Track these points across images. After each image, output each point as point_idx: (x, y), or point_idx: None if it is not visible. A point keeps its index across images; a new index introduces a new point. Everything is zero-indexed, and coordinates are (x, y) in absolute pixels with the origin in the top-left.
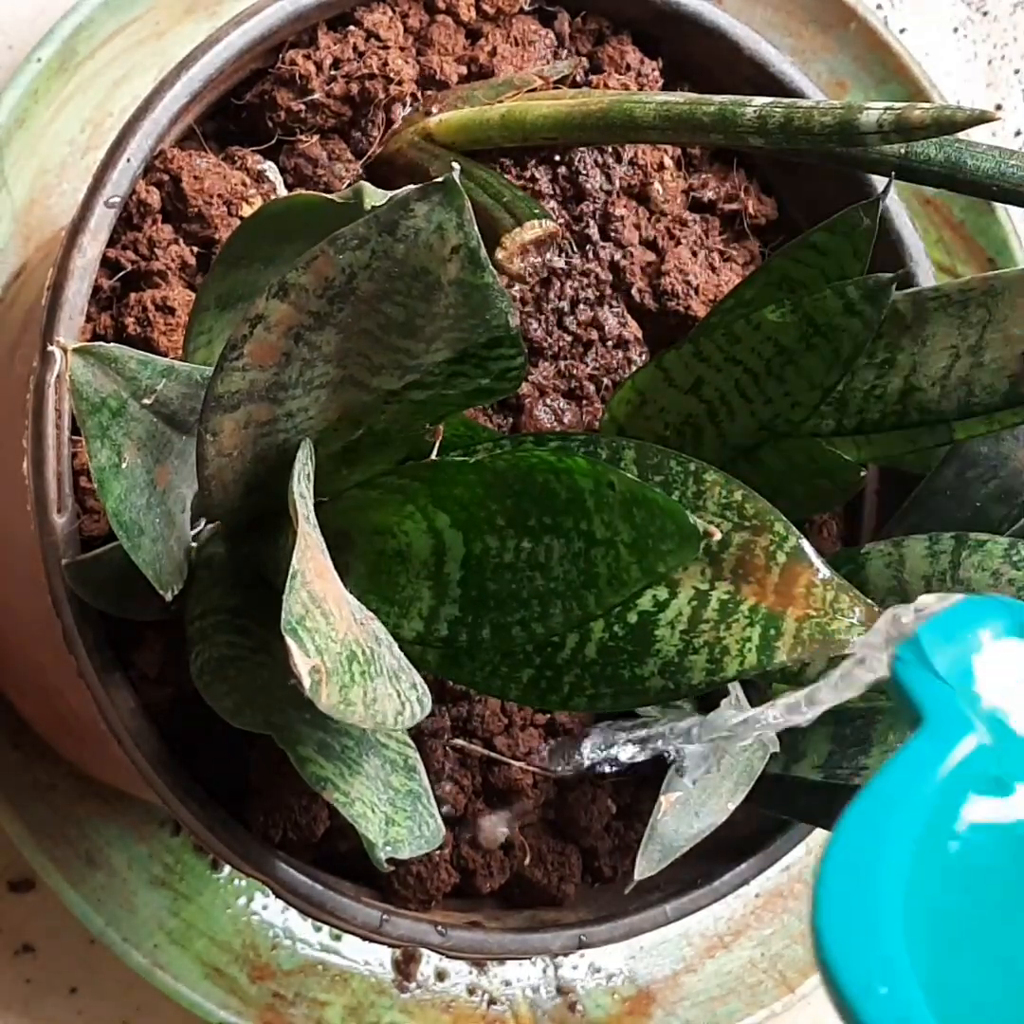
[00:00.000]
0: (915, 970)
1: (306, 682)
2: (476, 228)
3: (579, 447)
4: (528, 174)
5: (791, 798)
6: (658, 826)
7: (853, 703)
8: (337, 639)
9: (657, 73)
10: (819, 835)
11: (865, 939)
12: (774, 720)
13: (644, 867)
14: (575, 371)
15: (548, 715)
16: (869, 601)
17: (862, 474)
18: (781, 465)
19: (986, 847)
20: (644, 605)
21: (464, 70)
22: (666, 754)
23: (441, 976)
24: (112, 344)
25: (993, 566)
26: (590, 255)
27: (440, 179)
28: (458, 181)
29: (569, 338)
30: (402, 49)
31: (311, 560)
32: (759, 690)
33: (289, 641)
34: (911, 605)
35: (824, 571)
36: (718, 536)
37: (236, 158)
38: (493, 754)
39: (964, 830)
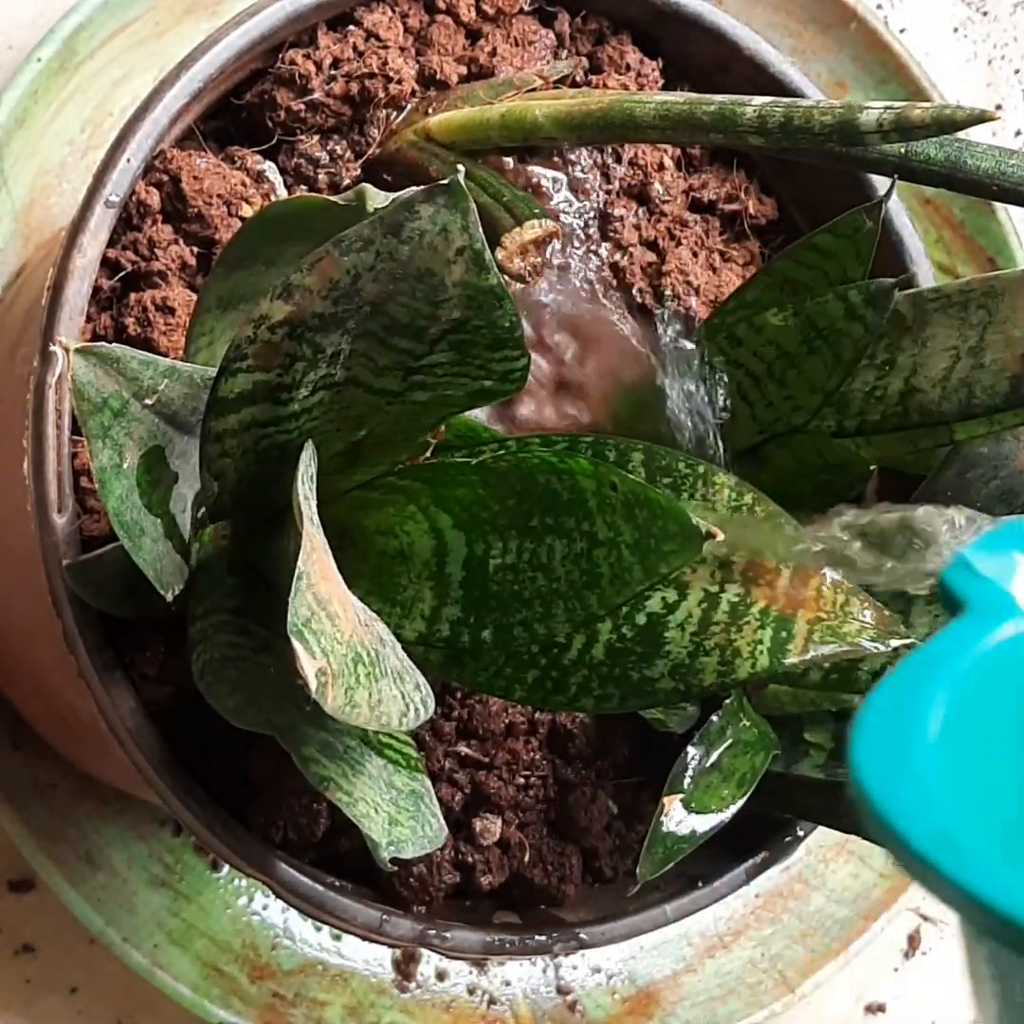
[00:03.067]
0: (948, 792)
1: (312, 684)
2: (481, 230)
3: (586, 448)
4: (528, 174)
5: (792, 796)
6: (661, 827)
7: (855, 704)
8: (343, 641)
9: (657, 73)
10: (819, 836)
11: (899, 767)
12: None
13: (647, 868)
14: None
15: (550, 716)
16: (879, 604)
17: (872, 468)
18: (788, 462)
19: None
20: (653, 607)
21: (464, 70)
22: None
23: (441, 976)
24: (114, 344)
25: None
26: (590, 255)
27: (445, 181)
28: (463, 183)
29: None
30: (402, 49)
31: (316, 562)
32: (757, 691)
33: (296, 643)
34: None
35: (833, 575)
36: (721, 537)
37: (236, 158)
38: (493, 757)
39: (998, 695)
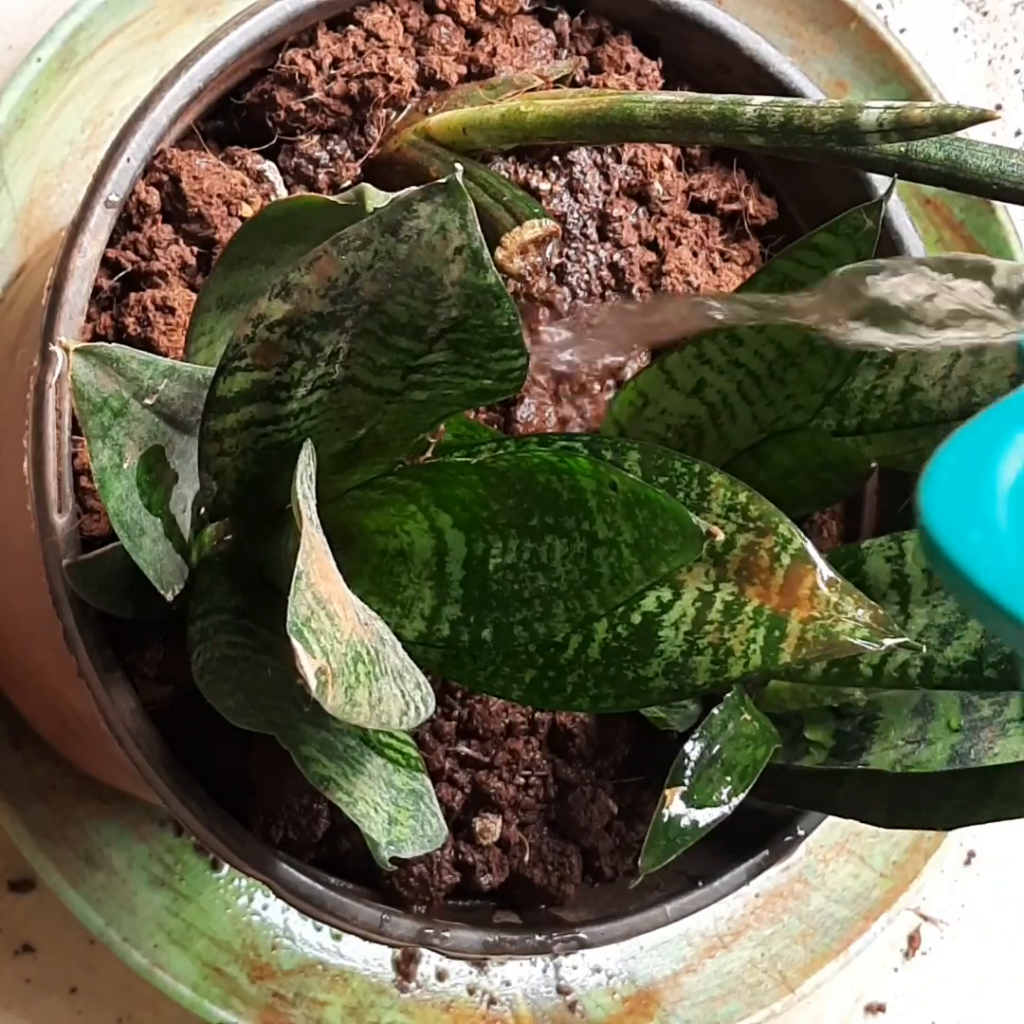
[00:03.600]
0: (1019, 538)
1: (312, 683)
2: (479, 229)
3: (583, 448)
4: (528, 174)
5: (794, 788)
6: (663, 819)
7: (855, 701)
8: (342, 640)
9: (657, 73)
10: (819, 836)
11: (971, 511)
12: None
13: (648, 862)
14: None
15: (550, 715)
16: (873, 603)
17: (872, 465)
18: (787, 460)
19: None
20: (648, 606)
21: (464, 70)
22: None
23: (441, 976)
24: (114, 344)
25: None
26: (589, 255)
27: (443, 180)
28: (461, 182)
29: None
30: (402, 49)
31: (316, 561)
32: (757, 688)
33: (295, 642)
34: None
35: (828, 573)
36: (721, 537)
37: (236, 158)
38: (493, 756)
39: None
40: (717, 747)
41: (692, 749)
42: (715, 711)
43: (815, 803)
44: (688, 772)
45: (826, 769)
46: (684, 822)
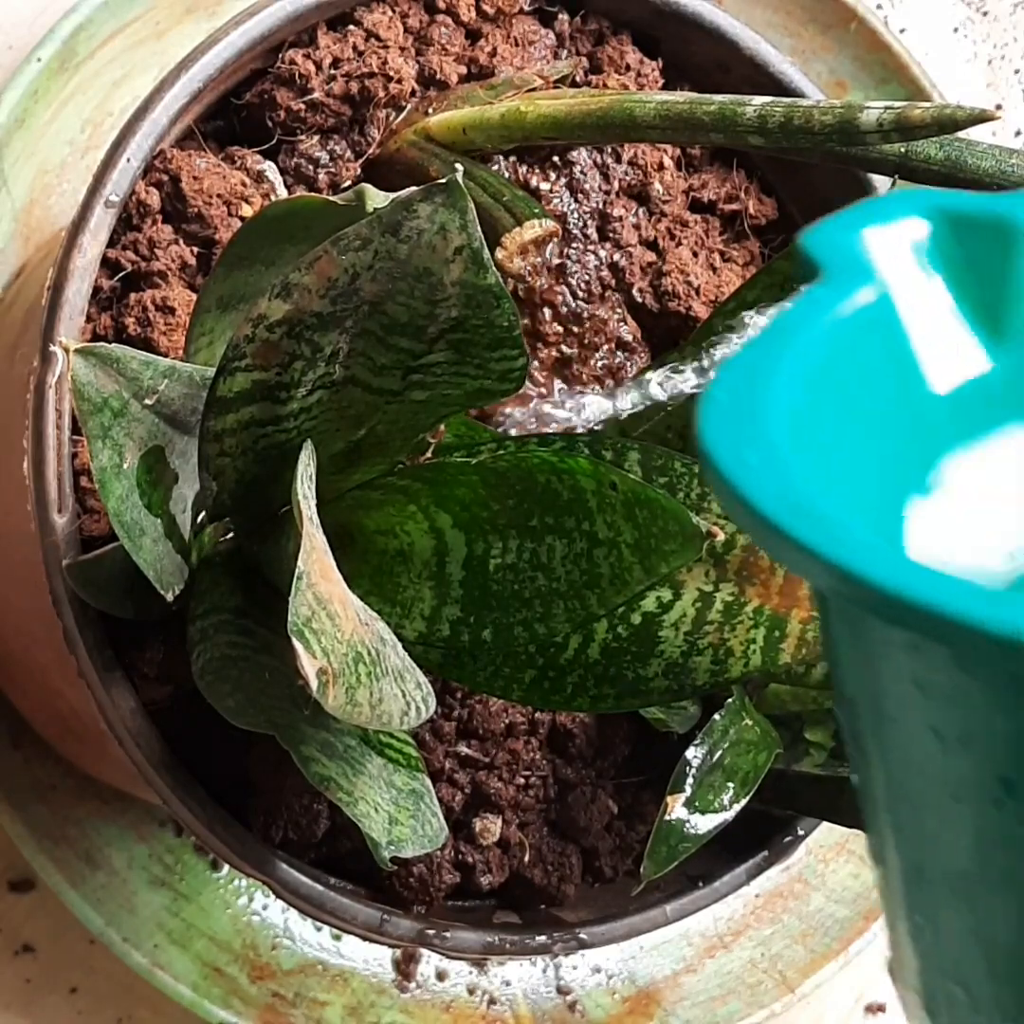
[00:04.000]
0: (797, 457)
1: (313, 684)
2: (479, 229)
3: (583, 448)
4: (528, 174)
5: (793, 793)
6: (665, 826)
7: None
8: (343, 640)
9: (657, 73)
10: (819, 836)
11: (748, 432)
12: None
13: (651, 869)
14: (578, 372)
15: (550, 715)
16: None
17: None
18: None
19: (862, 361)
20: (648, 606)
21: (464, 70)
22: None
23: (441, 976)
24: (114, 344)
25: None
26: (589, 255)
27: (443, 180)
28: (461, 182)
29: (571, 339)
30: (402, 49)
31: (316, 562)
32: (758, 690)
33: (296, 643)
34: None
35: None
36: (721, 537)
37: (236, 158)
38: (493, 757)
39: (853, 362)
40: (719, 753)
41: (693, 755)
42: (717, 716)
43: (817, 809)
44: (689, 778)
45: (828, 775)
46: (686, 829)
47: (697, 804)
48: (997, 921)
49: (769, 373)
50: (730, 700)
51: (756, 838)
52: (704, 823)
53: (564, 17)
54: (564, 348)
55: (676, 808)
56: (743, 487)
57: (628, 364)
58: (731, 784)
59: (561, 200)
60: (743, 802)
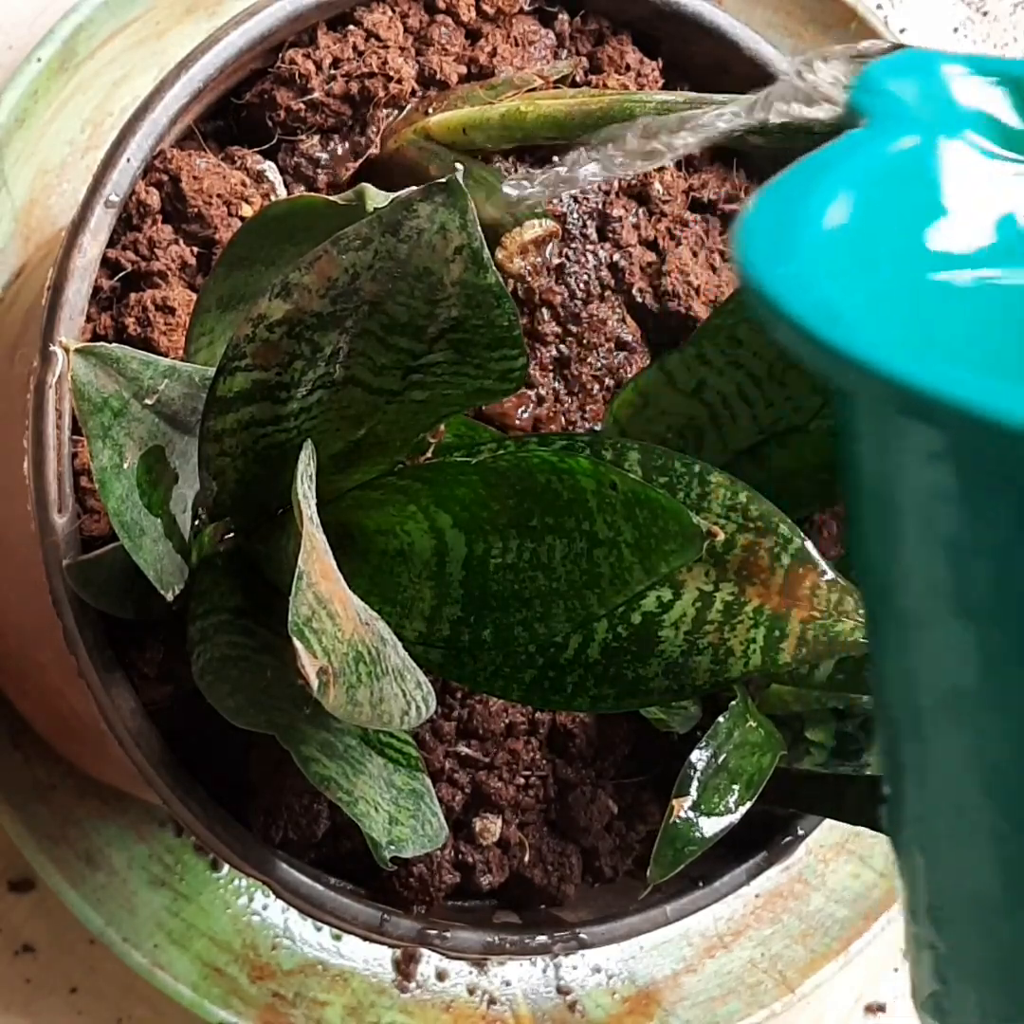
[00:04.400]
0: (834, 273)
1: (314, 683)
2: (480, 229)
3: (583, 448)
4: (528, 174)
5: (794, 790)
6: (670, 830)
7: (857, 701)
8: (343, 640)
9: (657, 73)
10: (819, 836)
11: (787, 249)
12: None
13: (657, 873)
14: (578, 372)
15: (550, 715)
16: None
17: None
18: (787, 461)
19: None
20: (648, 606)
21: (464, 70)
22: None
23: (441, 976)
24: (114, 344)
25: None
26: (589, 255)
27: (443, 179)
28: (461, 182)
29: (571, 339)
30: (402, 49)
31: (316, 561)
32: (759, 690)
33: (297, 643)
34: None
35: (829, 573)
36: (721, 537)
37: (236, 158)
38: (493, 757)
39: (891, 202)
40: (723, 755)
41: (698, 758)
42: (721, 719)
43: (820, 808)
44: (694, 781)
45: (831, 774)
46: (692, 832)
47: (702, 807)
48: (994, 741)
49: (810, 194)
50: (733, 702)
51: (756, 838)
52: (710, 826)
53: (564, 17)
54: (563, 348)
55: (682, 811)
56: (780, 298)
57: (628, 364)
58: (736, 786)
59: (561, 200)
60: (749, 804)
